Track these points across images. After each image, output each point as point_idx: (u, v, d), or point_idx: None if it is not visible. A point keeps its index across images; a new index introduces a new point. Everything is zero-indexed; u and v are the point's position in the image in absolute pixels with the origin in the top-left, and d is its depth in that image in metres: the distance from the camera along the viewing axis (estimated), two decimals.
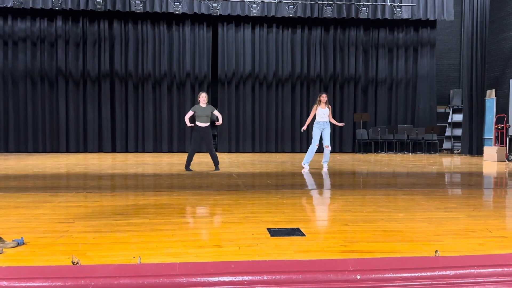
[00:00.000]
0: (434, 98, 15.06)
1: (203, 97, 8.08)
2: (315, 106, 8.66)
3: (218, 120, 8.27)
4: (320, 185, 6.70)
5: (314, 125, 8.67)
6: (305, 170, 8.48)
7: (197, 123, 8.02)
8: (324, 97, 8.60)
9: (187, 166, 8.22)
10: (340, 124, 9.32)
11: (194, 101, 14.19)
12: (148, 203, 4.70)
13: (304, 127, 8.91)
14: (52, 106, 13.88)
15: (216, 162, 8.31)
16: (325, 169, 8.69)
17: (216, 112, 8.24)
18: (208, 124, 8.04)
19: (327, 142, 8.63)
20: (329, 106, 8.70)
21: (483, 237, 3.35)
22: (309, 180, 7.34)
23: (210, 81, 14.42)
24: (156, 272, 2.15)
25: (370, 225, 3.71)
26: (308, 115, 14.66)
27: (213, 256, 2.81)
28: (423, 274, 2.23)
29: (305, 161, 8.84)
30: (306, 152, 14.84)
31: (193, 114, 8.05)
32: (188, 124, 8.11)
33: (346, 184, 6.71)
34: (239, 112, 14.55)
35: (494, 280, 2.23)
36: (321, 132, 8.65)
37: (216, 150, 14.50)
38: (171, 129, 14.35)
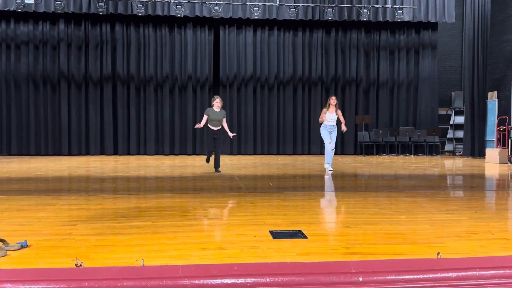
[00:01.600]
0: (436, 100, 15.05)
1: (217, 102, 8.08)
2: (324, 109, 8.58)
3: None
4: (322, 188, 6.71)
5: (322, 127, 8.62)
6: (328, 172, 8.38)
7: (209, 126, 8.06)
8: (333, 99, 8.50)
9: (207, 159, 8.60)
10: (344, 129, 9.00)
11: (196, 104, 14.24)
12: (150, 206, 4.71)
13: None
14: (55, 109, 13.92)
15: (217, 165, 8.34)
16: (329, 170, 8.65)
17: (224, 123, 8.15)
18: (220, 127, 8.10)
19: (332, 145, 8.59)
20: (339, 111, 8.61)
21: (485, 239, 3.35)
22: (310, 182, 7.35)
23: (211, 83, 14.45)
24: (159, 274, 2.16)
25: (372, 227, 3.72)
26: (309, 118, 14.68)
27: (216, 258, 2.82)
28: (425, 276, 2.24)
29: (326, 162, 8.69)
30: (307, 154, 14.85)
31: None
32: (197, 126, 8.12)
33: (348, 187, 6.71)
34: (240, 114, 14.56)
35: (496, 282, 2.24)
36: (329, 133, 8.57)
37: None
38: (173, 132, 14.37)
